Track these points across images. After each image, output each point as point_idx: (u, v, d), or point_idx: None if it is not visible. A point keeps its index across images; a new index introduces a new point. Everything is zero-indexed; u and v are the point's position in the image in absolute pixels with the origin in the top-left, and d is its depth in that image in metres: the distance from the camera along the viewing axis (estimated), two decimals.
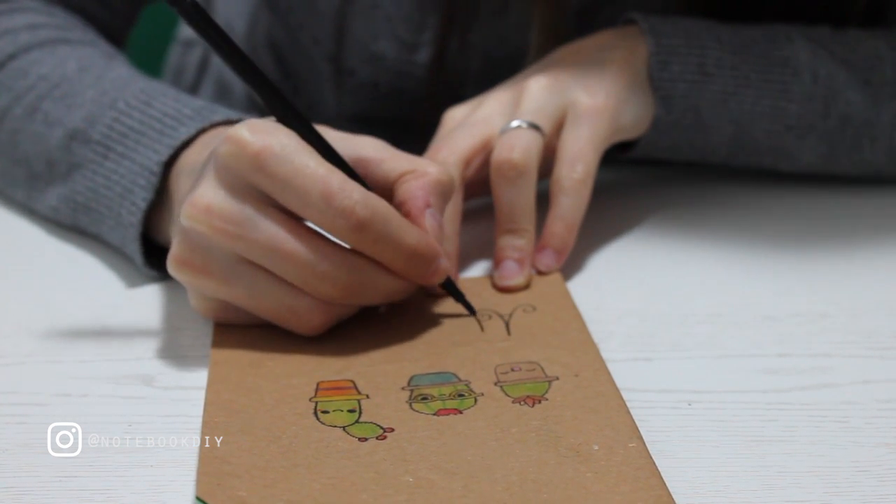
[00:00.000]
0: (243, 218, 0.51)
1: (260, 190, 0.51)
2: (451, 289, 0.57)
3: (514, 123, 0.61)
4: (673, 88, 0.66)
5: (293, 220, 0.51)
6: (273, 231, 0.51)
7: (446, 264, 0.54)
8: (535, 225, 0.60)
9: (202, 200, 0.51)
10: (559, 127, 0.62)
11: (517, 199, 0.59)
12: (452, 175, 0.56)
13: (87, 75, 0.65)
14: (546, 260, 0.61)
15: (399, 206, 0.54)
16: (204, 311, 0.55)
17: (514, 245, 0.60)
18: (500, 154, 0.60)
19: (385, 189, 0.55)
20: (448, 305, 0.57)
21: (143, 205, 0.59)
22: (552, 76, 0.64)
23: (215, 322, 0.55)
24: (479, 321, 0.56)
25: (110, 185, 0.61)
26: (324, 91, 0.86)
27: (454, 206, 0.60)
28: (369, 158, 0.55)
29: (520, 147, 0.60)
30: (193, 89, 0.95)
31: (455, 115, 0.66)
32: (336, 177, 0.51)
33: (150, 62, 1.03)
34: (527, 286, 0.59)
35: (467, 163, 0.61)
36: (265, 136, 0.51)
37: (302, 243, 0.51)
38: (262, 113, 0.91)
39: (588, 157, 0.61)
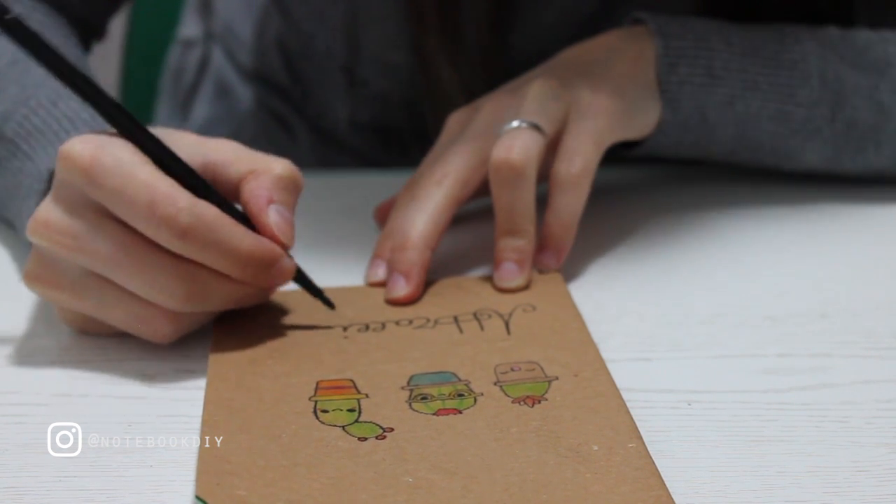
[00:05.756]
0: (80, 232, 0.51)
1: (97, 203, 0.51)
2: (305, 284, 0.56)
3: (514, 123, 0.60)
4: (680, 91, 0.66)
5: (131, 232, 0.51)
6: (109, 244, 0.51)
7: (290, 263, 0.54)
8: (535, 225, 0.60)
9: (42, 216, 0.52)
10: (562, 127, 0.62)
11: (516, 200, 0.59)
12: (296, 170, 0.55)
13: (15, 70, 0.64)
14: (546, 260, 0.61)
15: (244, 207, 0.54)
16: (68, 322, 0.56)
17: (514, 246, 0.59)
18: (499, 154, 0.59)
19: (235, 192, 0.55)
20: (447, 306, 0.57)
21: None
22: (557, 77, 0.63)
23: (76, 331, 0.56)
24: (478, 320, 0.56)
25: (17, 185, 0.61)
26: (335, 98, 0.86)
27: (437, 225, 0.59)
28: (218, 162, 0.55)
29: (518, 147, 0.59)
30: (193, 89, 0.95)
31: (457, 120, 0.65)
32: (163, 185, 0.50)
33: (150, 62, 1.03)
34: (527, 287, 0.59)
35: (465, 183, 0.61)
36: (95, 149, 0.51)
37: (137, 255, 0.51)
38: (267, 117, 0.92)
39: (587, 153, 0.61)
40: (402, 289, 0.58)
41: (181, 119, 0.96)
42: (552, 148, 0.61)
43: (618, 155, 0.68)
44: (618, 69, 0.64)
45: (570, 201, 0.60)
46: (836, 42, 0.68)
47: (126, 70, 1.06)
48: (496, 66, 0.79)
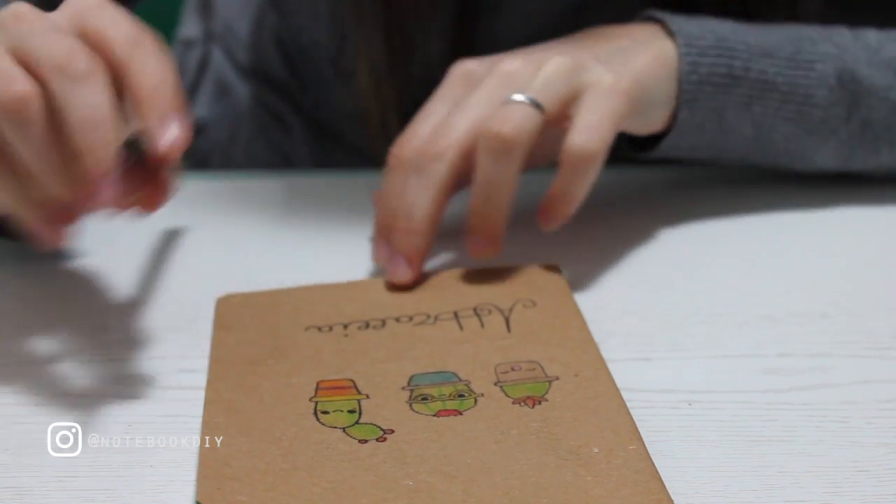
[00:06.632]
0: None
1: None
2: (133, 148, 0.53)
3: (517, 97, 0.59)
4: (699, 91, 0.65)
5: None
6: None
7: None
8: (511, 200, 0.59)
9: None
10: (564, 109, 0.60)
11: (498, 173, 0.58)
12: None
13: None
14: (544, 221, 0.60)
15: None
16: None
17: (487, 218, 0.59)
18: (492, 126, 0.58)
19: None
20: (447, 301, 0.57)
21: None
22: (578, 57, 0.62)
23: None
24: (478, 316, 0.56)
25: None
26: (328, 90, 0.86)
27: (440, 205, 0.59)
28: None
29: (514, 122, 0.58)
30: (193, 89, 0.95)
31: (463, 73, 0.63)
32: None
33: None
34: (494, 256, 0.59)
35: (467, 155, 0.59)
36: None
37: None
38: (264, 114, 0.92)
39: (604, 129, 0.59)
40: (404, 273, 0.58)
41: None
42: (550, 126, 0.60)
43: (631, 157, 0.68)
44: (638, 62, 0.63)
45: (581, 176, 0.59)
46: (850, 42, 0.68)
47: None
48: (475, 50, 0.79)
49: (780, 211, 0.69)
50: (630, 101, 0.61)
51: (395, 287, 0.58)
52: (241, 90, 0.92)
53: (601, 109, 0.59)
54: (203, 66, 0.95)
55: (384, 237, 0.60)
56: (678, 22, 0.66)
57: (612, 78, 0.61)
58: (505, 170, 0.58)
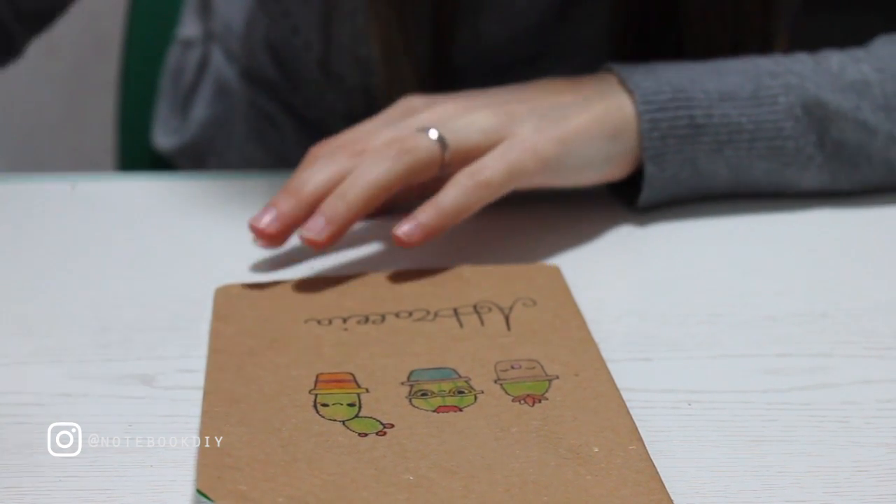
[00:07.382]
0: None
1: None
2: None
3: (431, 129, 0.62)
4: (664, 146, 0.66)
5: None
6: None
7: None
8: (362, 206, 0.60)
9: None
10: (473, 154, 0.62)
11: (364, 171, 0.60)
12: None
13: None
14: (405, 227, 0.60)
15: None
16: None
17: (336, 202, 0.60)
18: (392, 141, 0.61)
19: None
20: (447, 298, 0.57)
21: None
22: (513, 111, 0.63)
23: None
24: (478, 313, 0.56)
25: None
26: (319, 91, 0.87)
27: (327, 190, 0.61)
28: None
29: (407, 144, 0.61)
30: (192, 89, 0.95)
31: (407, 106, 0.66)
32: None
33: (149, 62, 1.03)
34: (329, 245, 0.60)
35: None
36: None
37: None
38: (258, 115, 0.92)
39: (497, 174, 0.61)
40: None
41: (181, 119, 0.96)
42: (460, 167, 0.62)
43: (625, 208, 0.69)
44: (573, 122, 0.64)
45: (457, 198, 0.60)
46: (811, 70, 0.68)
47: (126, 70, 1.06)
48: (465, 50, 0.79)
49: (779, 211, 0.70)
50: (541, 160, 0.62)
51: (395, 282, 0.59)
52: (240, 90, 0.92)
53: (503, 158, 0.62)
54: (203, 66, 0.95)
55: (274, 207, 0.61)
56: (635, 78, 0.67)
57: (532, 135, 0.63)
58: (370, 172, 0.60)
